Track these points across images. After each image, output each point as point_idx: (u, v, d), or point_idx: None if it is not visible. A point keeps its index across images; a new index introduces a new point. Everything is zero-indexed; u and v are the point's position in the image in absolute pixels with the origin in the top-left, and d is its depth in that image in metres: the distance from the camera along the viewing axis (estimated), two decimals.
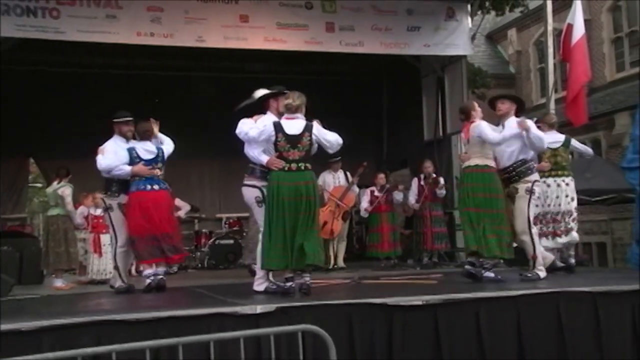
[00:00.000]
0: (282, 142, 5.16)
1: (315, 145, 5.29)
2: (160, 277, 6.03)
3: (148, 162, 6.09)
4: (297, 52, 9.75)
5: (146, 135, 6.20)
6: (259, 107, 5.69)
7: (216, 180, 12.07)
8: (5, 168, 10.82)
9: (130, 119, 6.35)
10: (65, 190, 7.46)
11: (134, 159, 6.06)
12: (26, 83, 10.89)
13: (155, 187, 6.06)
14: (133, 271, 9.45)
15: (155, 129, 6.30)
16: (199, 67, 11.55)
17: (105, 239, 8.16)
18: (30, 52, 10.19)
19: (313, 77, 11.74)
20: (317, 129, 5.24)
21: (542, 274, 5.94)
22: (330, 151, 5.48)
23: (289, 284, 5.10)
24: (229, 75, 11.75)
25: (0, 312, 4.37)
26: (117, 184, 6.21)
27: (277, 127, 5.19)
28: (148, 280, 6.02)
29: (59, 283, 7.29)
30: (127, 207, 6.09)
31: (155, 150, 6.18)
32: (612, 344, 4.81)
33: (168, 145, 6.33)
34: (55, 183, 7.82)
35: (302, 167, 5.15)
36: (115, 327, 3.98)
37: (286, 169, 5.13)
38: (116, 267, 6.29)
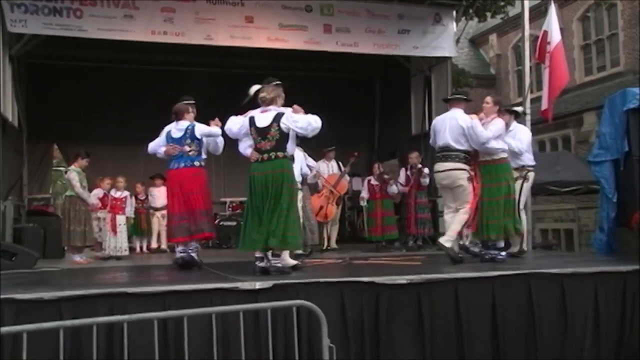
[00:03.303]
0: (254, 134, 5.07)
1: (292, 133, 5.04)
2: (183, 255, 5.85)
3: (177, 140, 5.94)
4: (297, 51, 9.65)
5: (177, 116, 6.05)
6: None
7: (222, 166, 12.00)
8: (32, 153, 10.76)
9: (191, 102, 6.22)
10: (70, 174, 7.36)
11: (168, 139, 5.99)
12: (51, 76, 10.79)
13: (182, 164, 5.88)
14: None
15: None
16: (207, 64, 11.45)
17: (120, 219, 8.13)
18: (55, 48, 10.10)
19: (311, 74, 11.66)
20: (286, 118, 5.01)
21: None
22: (308, 135, 5.08)
23: (258, 263, 5.01)
24: (234, 71, 11.64)
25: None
26: None
27: (251, 121, 5.10)
28: (177, 256, 5.95)
29: (77, 258, 7.25)
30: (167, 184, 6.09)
31: (184, 128, 5.97)
32: (575, 319, 4.84)
33: (207, 129, 5.97)
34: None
35: (273, 157, 5.00)
36: (127, 298, 3.95)
37: (259, 159, 5.03)
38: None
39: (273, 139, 5.01)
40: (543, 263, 6.03)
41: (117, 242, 7.99)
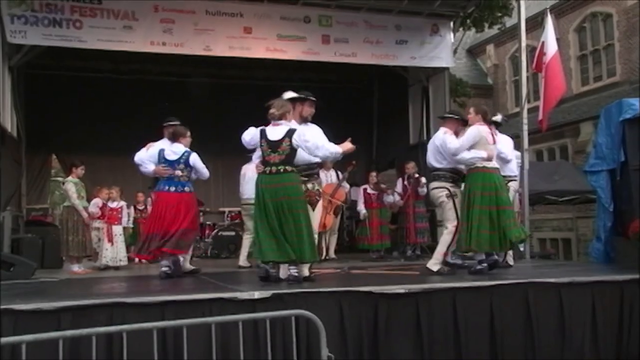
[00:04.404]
0: (265, 146, 5.13)
1: (299, 150, 5.12)
2: (164, 269, 5.97)
3: (170, 163, 6.06)
4: (296, 61, 9.73)
5: (174, 138, 6.20)
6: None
7: (220, 177, 12.01)
8: (31, 163, 10.77)
9: (175, 123, 6.40)
10: (66, 185, 7.37)
11: (160, 159, 6.10)
12: (50, 86, 10.84)
13: (172, 189, 6.03)
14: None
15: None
16: (207, 74, 11.51)
17: (116, 229, 8.12)
18: (55, 59, 10.15)
19: (310, 84, 11.65)
20: (298, 135, 5.08)
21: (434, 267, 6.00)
22: (313, 156, 5.24)
23: (272, 271, 5.09)
24: (233, 81, 11.72)
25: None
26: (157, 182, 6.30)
27: (262, 133, 5.17)
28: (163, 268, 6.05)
29: (75, 268, 7.24)
30: (153, 204, 6.21)
31: (180, 153, 6.11)
32: (573, 328, 4.85)
33: (198, 163, 6.19)
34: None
35: (282, 170, 5.04)
36: (126, 309, 3.96)
37: (267, 172, 5.08)
38: None
39: (283, 153, 5.06)
40: (541, 272, 6.05)
41: (114, 252, 7.98)
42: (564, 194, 12.20)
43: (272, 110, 5.20)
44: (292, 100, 5.43)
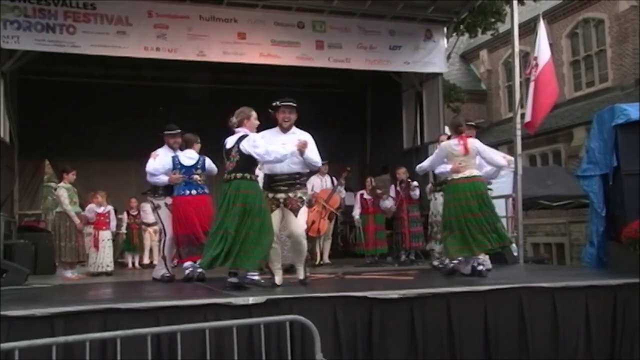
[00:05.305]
0: (224, 155, 5.25)
1: (252, 157, 5.07)
2: (200, 270, 6.06)
3: (187, 168, 6.29)
4: (289, 67, 9.75)
5: (187, 145, 6.47)
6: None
7: (214, 182, 12.01)
8: (23, 169, 10.72)
9: (177, 132, 6.66)
10: (58, 191, 7.35)
11: (175, 165, 6.31)
12: (43, 91, 10.79)
13: (194, 192, 6.25)
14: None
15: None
16: (200, 79, 11.50)
17: (103, 235, 8.05)
18: (48, 64, 10.13)
19: (304, 89, 11.71)
20: (247, 141, 5.07)
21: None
22: (263, 161, 5.22)
23: (230, 279, 5.05)
24: (228, 86, 11.72)
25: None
26: (162, 187, 6.45)
27: (225, 142, 5.26)
28: (187, 272, 6.19)
29: (68, 274, 7.22)
30: (172, 208, 6.32)
31: (196, 158, 6.37)
32: (567, 332, 4.87)
33: (211, 164, 6.50)
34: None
35: (232, 177, 5.09)
36: (120, 314, 3.96)
37: (227, 179, 5.16)
38: (163, 257, 6.49)
39: (234, 160, 5.12)
40: (534, 277, 6.09)
41: (99, 257, 7.89)
42: (557, 198, 12.29)
43: (231, 119, 5.28)
44: (272, 109, 5.52)
